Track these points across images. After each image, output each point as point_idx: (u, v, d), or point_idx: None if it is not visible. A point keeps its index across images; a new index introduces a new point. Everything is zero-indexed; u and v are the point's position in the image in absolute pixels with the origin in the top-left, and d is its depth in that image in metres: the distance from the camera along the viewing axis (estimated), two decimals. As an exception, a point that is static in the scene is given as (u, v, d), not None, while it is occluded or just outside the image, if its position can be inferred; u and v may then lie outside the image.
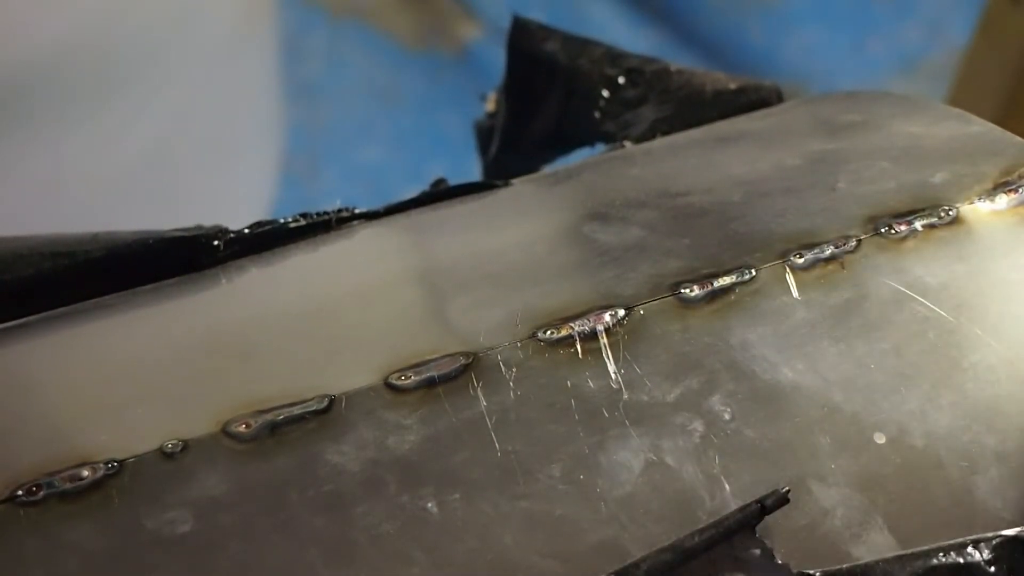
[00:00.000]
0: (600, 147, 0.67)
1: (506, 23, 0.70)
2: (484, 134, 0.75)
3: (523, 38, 0.69)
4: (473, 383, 0.40)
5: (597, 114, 0.67)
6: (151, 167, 1.24)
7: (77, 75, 1.12)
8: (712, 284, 0.43)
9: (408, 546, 0.37)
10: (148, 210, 1.21)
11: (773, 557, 0.38)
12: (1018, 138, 0.50)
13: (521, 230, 0.50)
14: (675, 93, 0.64)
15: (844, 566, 0.38)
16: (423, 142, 1.79)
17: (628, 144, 0.62)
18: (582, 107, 0.68)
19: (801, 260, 0.44)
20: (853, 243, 0.44)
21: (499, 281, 0.45)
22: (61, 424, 0.41)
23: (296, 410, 0.40)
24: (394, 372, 0.41)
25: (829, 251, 0.44)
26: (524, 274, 0.46)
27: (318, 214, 0.52)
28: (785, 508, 0.38)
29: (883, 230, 0.45)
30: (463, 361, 0.41)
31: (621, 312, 0.42)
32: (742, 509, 0.38)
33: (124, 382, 0.43)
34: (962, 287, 0.43)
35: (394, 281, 0.48)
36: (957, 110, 0.53)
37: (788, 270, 0.44)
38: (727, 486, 0.39)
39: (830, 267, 0.44)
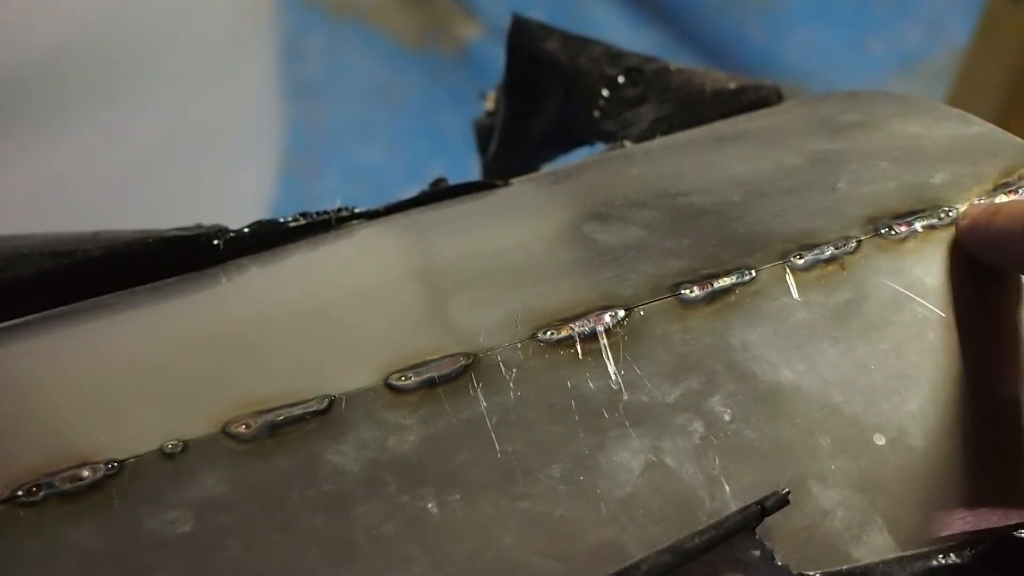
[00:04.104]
0: (600, 146, 0.67)
1: (506, 23, 0.70)
2: (483, 133, 0.75)
3: (522, 37, 0.69)
4: (473, 383, 0.40)
5: (597, 113, 0.67)
6: (151, 167, 1.24)
7: (77, 75, 1.12)
8: (712, 285, 0.43)
9: (408, 546, 0.37)
10: (148, 209, 1.21)
11: (773, 558, 0.38)
12: (1018, 138, 0.50)
13: (521, 230, 0.50)
14: (675, 92, 0.64)
15: (844, 567, 0.38)
16: (423, 142, 1.79)
17: (628, 143, 0.62)
18: (582, 106, 0.68)
19: (801, 261, 0.44)
20: (853, 244, 0.44)
21: (499, 281, 0.45)
22: (61, 424, 0.41)
23: (296, 410, 0.40)
24: (394, 372, 0.40)
25: (829, 252, 0.44)
26: (524, 274, 0.45)
27: (318, 213, 0.52)
28: (785, 509, 0.38)
29: (883, 231, 0.45)
30: (463, 362, 0.41)
31: (621, 313, 0.42)
32: (742, 510, 0.38)
33: (124, 382, 0.43)
34: None
35: (394, 281, 0.48)
36: (957, 110, 0.53)
37: (788, 271, 0.44)
38: (727, 487, 0.39)
39: (830, 268, 0.44)
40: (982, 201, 0.46)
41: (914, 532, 0.40)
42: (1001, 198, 0.46)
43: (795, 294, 0.43)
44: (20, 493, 0.37)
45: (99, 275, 0.50)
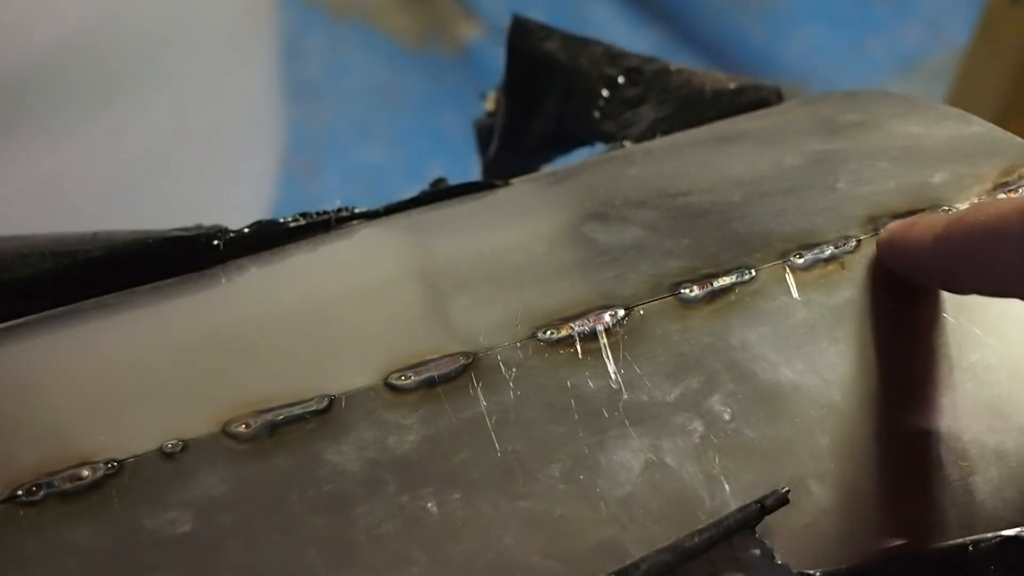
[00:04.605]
0: (600, 146, 0.67)
1: (506, 23, 0.70)
2: (483, 133, 0.75)
3: (522, 37, 0.69)
4: (473, 383, 0.40)
5: (597, 113, 0.67)
6: (151, 167, 1.24)
7: (77, 75, 1.12)
8: (712, 284, 0.43)
9: (408, 546, 0.37)
10: (148, 209, 1.21)
11: (773, 557, 0.38)
12: (1018, 138, 0.50)
13: (521, 230, 0.50)
14: (675, 92, 0.64)
15: (844, 567, 0.38)
16: (423, 142, 1.79)
17: (628, 143, 0.62)
18: (582, 106, 0.68)
19: (801, 260, 0.44)
20: (853, 243, 0.44)
21: (499, 281, 0.45)
22: (61, 424, 0.41)
23: (296, 410, 0.40)
24: (394, 372, 0.40)
25: (829, 251, 0.44)
26: (524, 274, 0.45)
27: (318, 214, 0.52)
28: (785, 508, 0.38)
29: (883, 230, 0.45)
30: (463, 361, 0.41)
31: (621, 312, 0.42)
32: (742, 509, 0.38)
33: (124, 382, 0.43)
34: None
35: (394, 281, 0.48)
36: (957, 110, 0.53)
37: (788, 270, 0.44)
38: (727, 486, 0.39)
39: (830, 267, 0.44)
40: (983, 200, 0.46)
41: (914, 532, 0.39)
42: (1001, 197, 0.46)
43: (795, 293, 0.43)
44: (20, 493, 0.37)
45: (99, 275, 0.50)
